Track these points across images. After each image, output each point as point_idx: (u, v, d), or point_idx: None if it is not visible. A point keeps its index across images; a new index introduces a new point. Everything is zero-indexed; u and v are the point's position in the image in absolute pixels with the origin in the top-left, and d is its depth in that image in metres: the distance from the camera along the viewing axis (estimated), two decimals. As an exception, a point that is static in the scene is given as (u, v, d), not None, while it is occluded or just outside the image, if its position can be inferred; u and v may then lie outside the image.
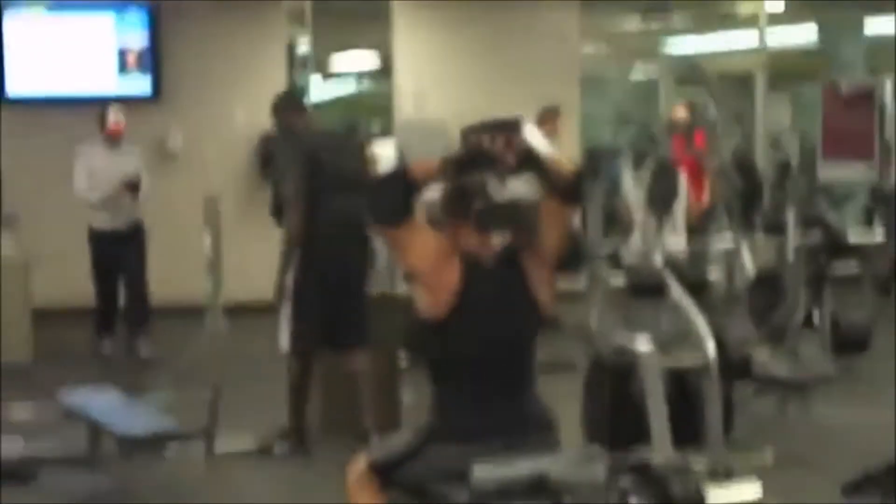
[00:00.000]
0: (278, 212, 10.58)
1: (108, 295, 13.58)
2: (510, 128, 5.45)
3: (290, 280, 10.27)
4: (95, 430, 9.53)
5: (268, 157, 10.44)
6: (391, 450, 6.05)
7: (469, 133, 5.48)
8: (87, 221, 13.41)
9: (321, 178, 10.27)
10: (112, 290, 13.53)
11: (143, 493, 9.33)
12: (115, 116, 13.98)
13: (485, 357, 5.80)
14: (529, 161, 5.46)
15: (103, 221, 13.37)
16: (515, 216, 5.59)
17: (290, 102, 11.01)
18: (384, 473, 5.97)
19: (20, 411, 10.25)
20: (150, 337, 13.19)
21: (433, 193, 5.76)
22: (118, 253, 13.39)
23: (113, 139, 13.67)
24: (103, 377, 11.99)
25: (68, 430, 9.65)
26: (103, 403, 10.02)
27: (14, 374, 11.91)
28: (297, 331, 10.27)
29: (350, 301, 10.39)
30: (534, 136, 5.66)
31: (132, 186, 13.23)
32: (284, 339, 10.37)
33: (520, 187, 5.54)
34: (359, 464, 6.01)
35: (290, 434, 10.23)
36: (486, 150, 5.45)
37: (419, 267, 5.68)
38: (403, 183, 5.55)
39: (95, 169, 13.44)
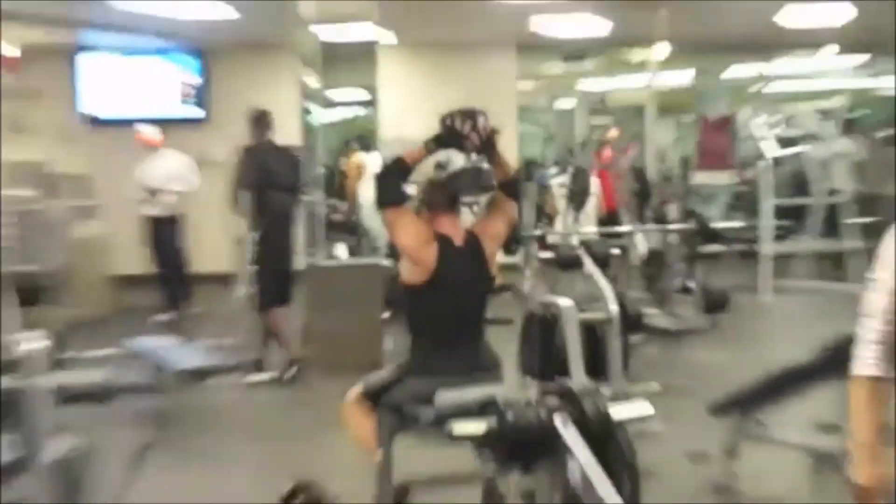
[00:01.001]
0: (234, 201, 10.94)
1: (159, 263, 13.44)
2: (476, 115, 5.79)
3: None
4: (156, 366, 9.60)
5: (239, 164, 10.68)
6: (377, 381, 6.18)
7: (446, 117, 5.78)
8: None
9: (263, 179, 10.69)
10: (161, 260, 13.43)
11: (192, 412, 9.40)
12: (146, 131, 13.82)
13: (451, 314, 5.98)
14: (488, 145, 5.80)
15: (149, 208, 13.34)
16: (480, 176, 5.79)
17: (258, 121, 11.12)
18: (372, 399, 6.11)
19: (97, 352, 10.30)
20: (190, 297, 13.21)
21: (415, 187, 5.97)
22: (159, 233, 13.36)
23: (152, 151, 13.61)
24: (161, 328, 12.08)
25: (135, 367, 9.71)
26: (162, 346, 10.10)
27: (94, 325, 11.98)
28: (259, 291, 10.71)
29: (285, 270, 10.90)
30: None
31: (150, 193, 13.24)
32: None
33: (481, 164, 5.78)
34: (353, 392, 6.19)
35: (291, 363, 10.50)
36: (458, 130, 5.75)
37: (407, 244, 5.88)
38: (399, 169, 5.83)
39: (144, 172, 13.43)
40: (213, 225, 11.86)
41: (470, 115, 5.88)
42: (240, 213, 10.90)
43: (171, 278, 13.41)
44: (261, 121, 11.15)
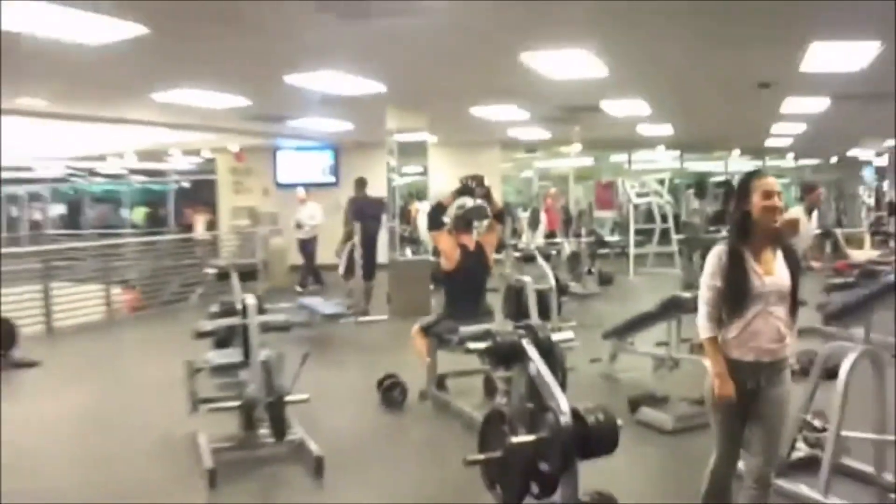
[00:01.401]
0: (346, 226, 11.33)
1: (306, 261, 13.58)
2: (479, 178, 6.20)
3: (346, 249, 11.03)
4: (312, 313, 9.63)
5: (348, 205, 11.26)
6: (428, 321, 6.33)
7: (463, 179, 6.20)
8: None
9: (361, 214, 10.95)
10: (305, 260, 13.59)
11: (330, 339, 9.42)
12: (300, 191, 13.97)
13: (467, 286, 6.20)
14: (486, 193, 6.17)
15: (299, 233, 13.53)
16: (481, 211, 6.13)
17: (359, 183, 11.50)
18: (425, 330, 6.22)
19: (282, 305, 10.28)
20: (321, 278, 13.20)
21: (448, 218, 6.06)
22: (304, 246, 13.54)
23: (301, 202, 13.77)
24: (312, 293, 12.07)
25: (301, 313, 9.76)
26: (314, 302, 10.13)
27: (282, 291, 11.93)
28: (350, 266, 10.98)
29: (373, 260, 11.11)
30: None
31: (299, 225, 13.50)
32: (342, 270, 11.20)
33: (482, 203, 5.92)
34: (415, 327, 6.31)
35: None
36: (469, 186, 6.16)
37: (444, 249, 6.21)
38: (440, 209, 6.18)
39: (298, 214, 13.61)
40: (336, 239, 11.82)
41: (475, 177, 6.25)
42: (350, 232, 11.11)
43: (312, 268, 13.47)
44: (360, 183, 11.49)
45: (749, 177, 3.28)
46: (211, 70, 8.23)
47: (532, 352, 3.53)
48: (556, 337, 3.81)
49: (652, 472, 5.00)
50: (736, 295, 3.15)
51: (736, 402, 3.16)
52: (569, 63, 7.81)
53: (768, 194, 3.18)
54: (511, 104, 11.28)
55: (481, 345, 3.73)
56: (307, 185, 13.44)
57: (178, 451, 5.19)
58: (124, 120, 11.82)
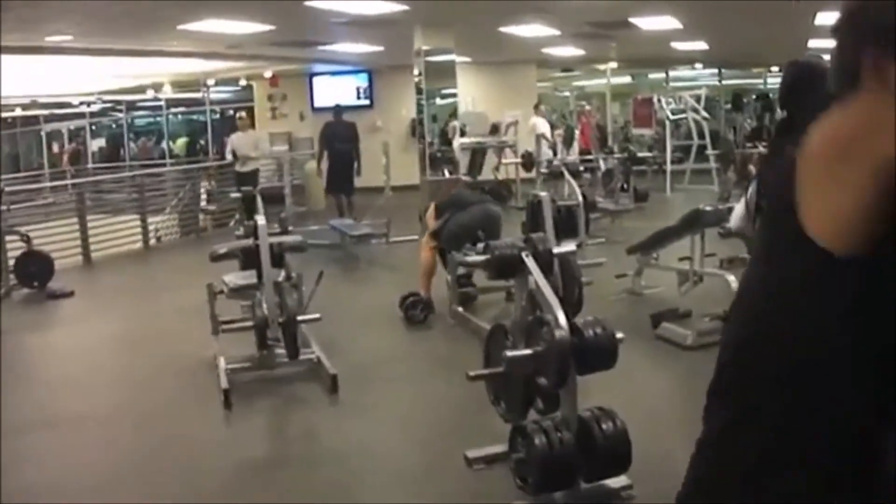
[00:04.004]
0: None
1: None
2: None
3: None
4: (342, 233, 9.59)
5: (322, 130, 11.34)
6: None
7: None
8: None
9: (331, 138, 11.02)
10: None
11: (360, 259, 9.39)
12: (240, 116, 12.18)
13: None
14: None
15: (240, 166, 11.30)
16: None
17: (336, 110, 11.41)
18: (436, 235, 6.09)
19: (312, 227, 10.27)
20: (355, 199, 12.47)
21: None
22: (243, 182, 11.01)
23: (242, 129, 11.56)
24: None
25: (332, 234, 9.74)
26: (344, 223, 10.08)
27: (316, 214, 11.94)
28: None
29: (348, 177, 11.07)
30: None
31: (236, 156, 11.31)
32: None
33: None
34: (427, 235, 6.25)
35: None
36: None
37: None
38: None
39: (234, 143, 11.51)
40: (373, 159, 11.72)
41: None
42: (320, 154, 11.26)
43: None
44: (337, 111, 11.41)
45: None
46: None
47: (531, 265, 3.40)
48: (558, 249, 3.65)
49: (669, 389, 4.89)
50: None
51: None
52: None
53: None
54: (538, 22, 10.92)
55: (479, 258, 3.59)
56: (342, 108, 12.73)
57: (200, 372, 5.20)
58: (155, 52, 11.71)
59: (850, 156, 0.89)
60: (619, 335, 3.17)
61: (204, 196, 12.27)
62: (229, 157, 11.56)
